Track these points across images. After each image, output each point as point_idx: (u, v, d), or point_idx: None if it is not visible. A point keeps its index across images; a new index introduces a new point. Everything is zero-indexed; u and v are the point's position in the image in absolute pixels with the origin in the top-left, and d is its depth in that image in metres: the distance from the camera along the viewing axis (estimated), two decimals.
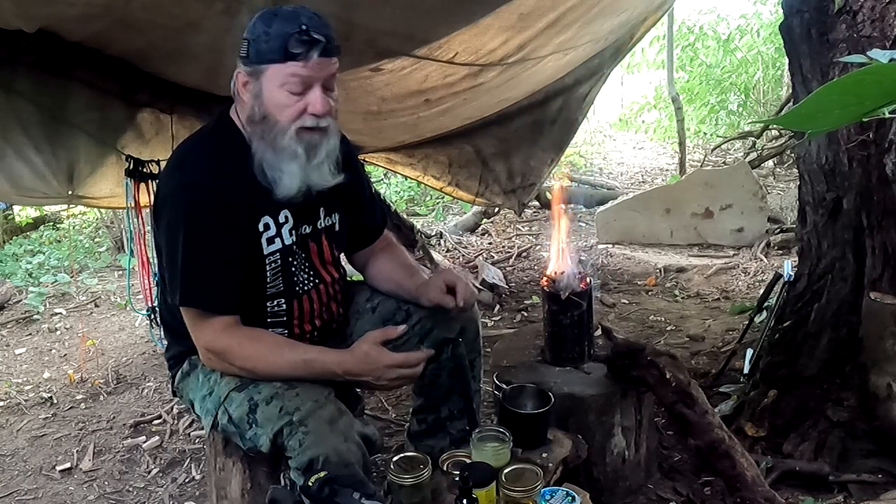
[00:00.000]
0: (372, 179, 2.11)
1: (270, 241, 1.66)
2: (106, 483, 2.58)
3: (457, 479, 1.51)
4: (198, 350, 1.67)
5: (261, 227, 1.65)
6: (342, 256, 1.92)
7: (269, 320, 1.72)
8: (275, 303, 1.71)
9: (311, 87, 1.56)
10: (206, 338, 1.63)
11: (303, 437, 1.52)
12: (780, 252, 4.60)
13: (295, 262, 1.72)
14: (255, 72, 1.56)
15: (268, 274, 1.68)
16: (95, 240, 6.47)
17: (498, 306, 4.00)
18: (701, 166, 6.77)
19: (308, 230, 1.74)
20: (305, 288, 1.75)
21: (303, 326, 1.77)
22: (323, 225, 1.78)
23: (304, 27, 1.51)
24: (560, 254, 2.15)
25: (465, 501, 1.46)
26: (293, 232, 1.70)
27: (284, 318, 1.73)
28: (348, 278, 1.94)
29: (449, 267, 1.87)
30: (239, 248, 1.62)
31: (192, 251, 1.58)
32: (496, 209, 5.38)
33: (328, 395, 1.62)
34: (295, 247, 1.71)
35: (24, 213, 6.83)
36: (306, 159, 1.60)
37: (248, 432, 1.61)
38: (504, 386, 1.93)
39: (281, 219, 1.68)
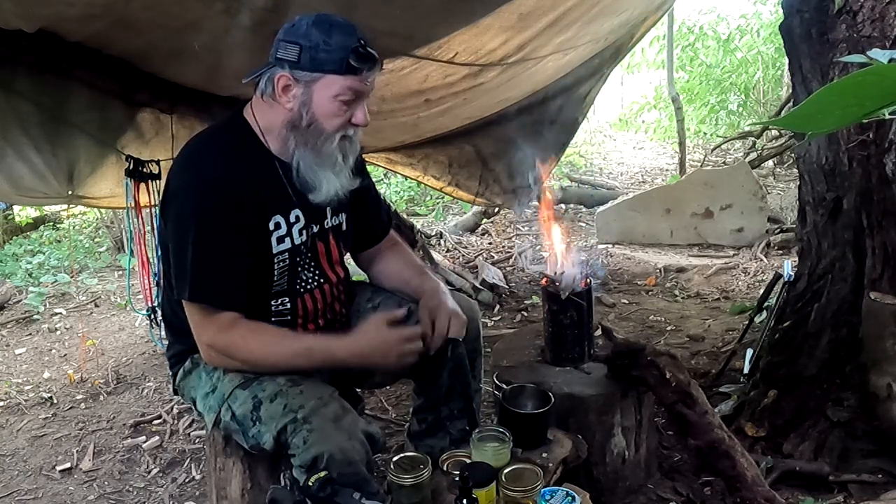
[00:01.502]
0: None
1: (280, 240, 1.67)
2: (106, 483, 2.58)
3: (457, 479, 1.51)
4: (199, 347, 1.67)
5: (271, 226, 1.66)
6: (347, 256, 1.92)
7: (273, 319, 1.72)
8: (279, 301, 1.72)
9: (359, 100, 1.61)
10: (209, 334, 1.64)
11: (307, 435, 1.52)
12: (780, 252, 4.60)
13: (302, 262, 1.73)
14: (307, 78, 1.56)
15: (275, 272, 1.68)
16: (95, 240, 6.46)
17: (498, 306, 4.01)
18: (701, 166, 6.77)
19: (316, 229, 1.75)
20: (309, 287, 1.76)
21: (306, 326, 1.77)
22: (330, 224, 1.79)
23: (362, 41, 1.55)
24: (543, 254, 2.15)
25: (465, 501, 1.47)
26: (304, 231, 1.71)
27: (288, 318, 1.74)
28: (351, 278, 1.94)
29: (443, 288, 1.86)
30: (248, 246, 1.62)
31: (202, 247, 1.58)
32: (496, 209, 5.39)
33: (332, 393, 1.62)
34: (303, 246, 1.72)
35: (24, 213, 6.83)
36: (342, 166, 1.66)
37: (251, 430, 1.61)
38: (504, 386, 1.93)
39: (292, 218, 1.69)
